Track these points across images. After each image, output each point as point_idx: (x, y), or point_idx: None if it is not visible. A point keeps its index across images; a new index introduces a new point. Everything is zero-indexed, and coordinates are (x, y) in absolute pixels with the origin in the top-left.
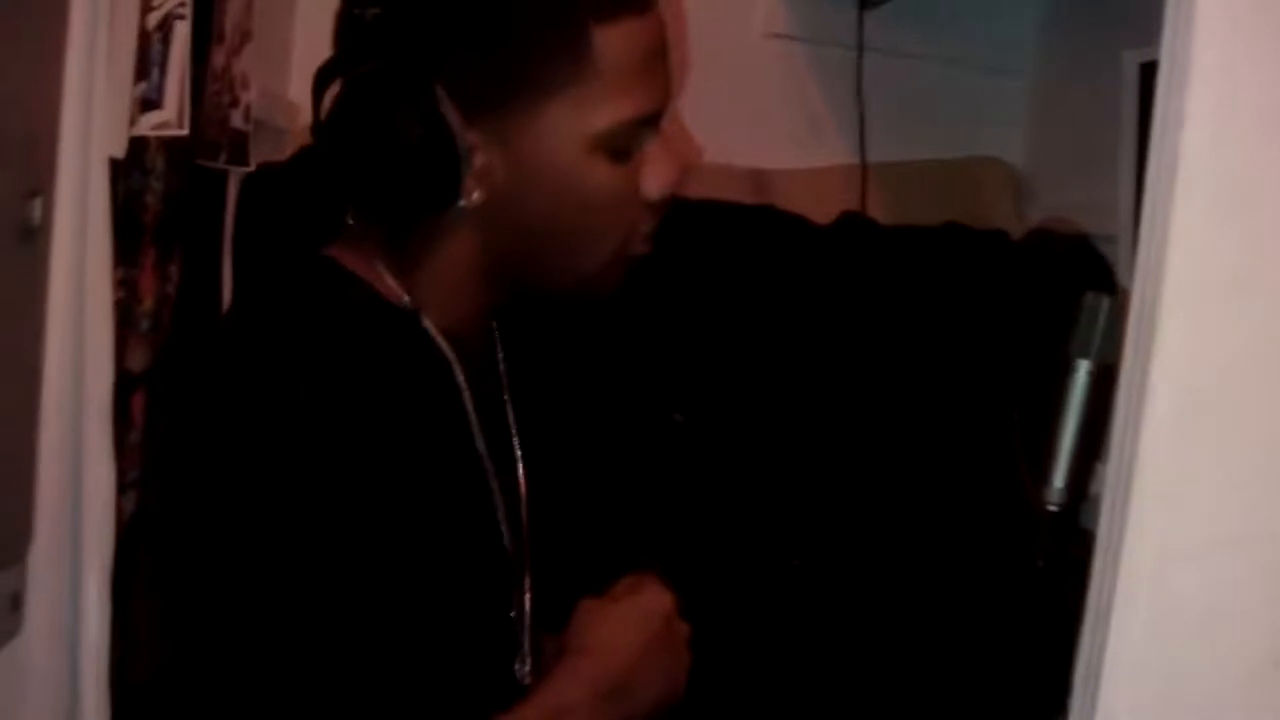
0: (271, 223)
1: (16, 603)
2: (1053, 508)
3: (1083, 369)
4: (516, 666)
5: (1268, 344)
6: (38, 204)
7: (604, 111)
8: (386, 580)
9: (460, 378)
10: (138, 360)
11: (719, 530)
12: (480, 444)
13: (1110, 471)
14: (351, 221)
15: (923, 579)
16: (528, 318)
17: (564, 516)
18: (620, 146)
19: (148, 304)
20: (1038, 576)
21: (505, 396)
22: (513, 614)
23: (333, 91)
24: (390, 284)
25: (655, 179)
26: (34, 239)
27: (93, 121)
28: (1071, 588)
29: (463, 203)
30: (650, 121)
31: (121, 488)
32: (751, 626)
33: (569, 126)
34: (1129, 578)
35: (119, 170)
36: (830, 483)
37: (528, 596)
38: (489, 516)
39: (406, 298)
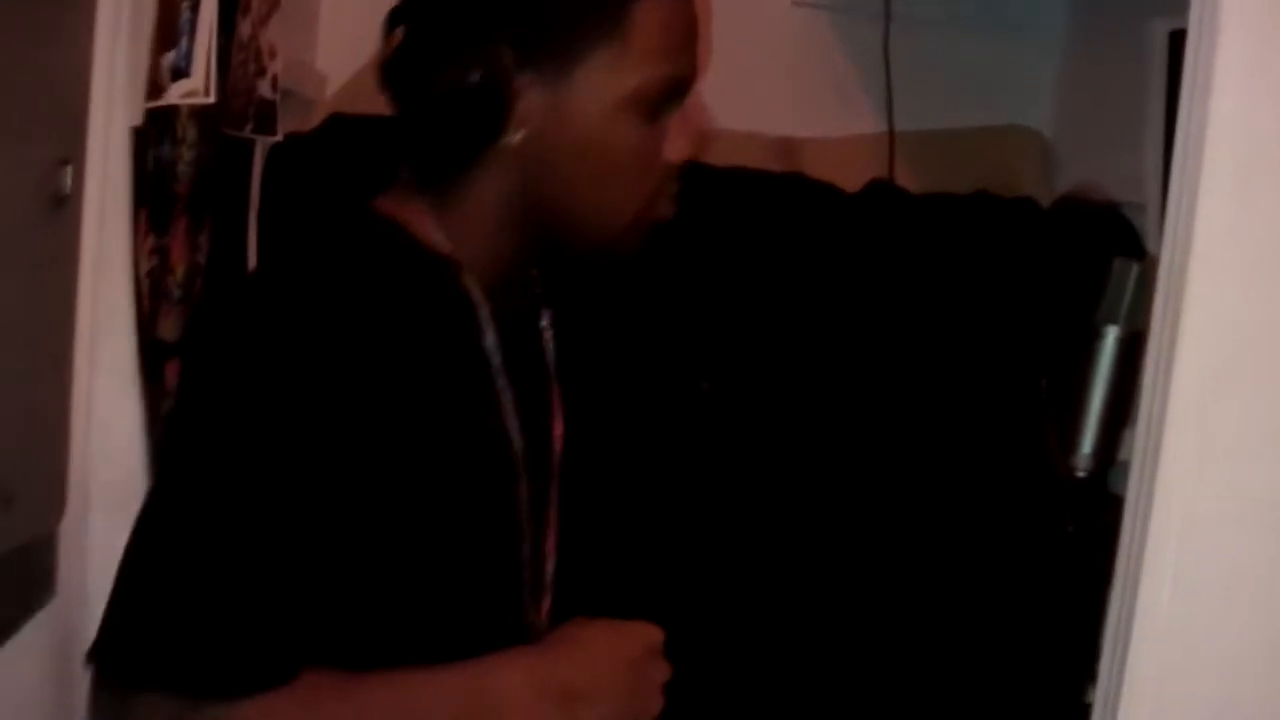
0: (303, 190)
1: (49, 569)
2: (1081, 474)
3: (1111, 335)
4: (530, 620)
5: None
6: (68, 172)
7: (634, 75)
8: (395, 528)
9: (487, 324)
10: (170, 329)
11: (747, 499)
12: (506, 390)
13: (1138, 438)
14: (399, 178)
15: (953, 545)
16: (566, 277)
17: (596, 475)
18: (646, 110)
19: (180, 273)
20: (1067, 542)
21: (545, 351)
22: (526, 573)
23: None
24: (432, 233)
25: (678, 143)
26: (65, 206)
27: (116, 92)
28: (1100, 553)
29: (506, 139)
30: (676, 92)
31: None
32: (783, 594)
33: (602, 82)
34: (1157, 543)
35: (149, 139)
36: (859, 451)
37: (550, 555)
38: (503, 465)
39: (444, 248)
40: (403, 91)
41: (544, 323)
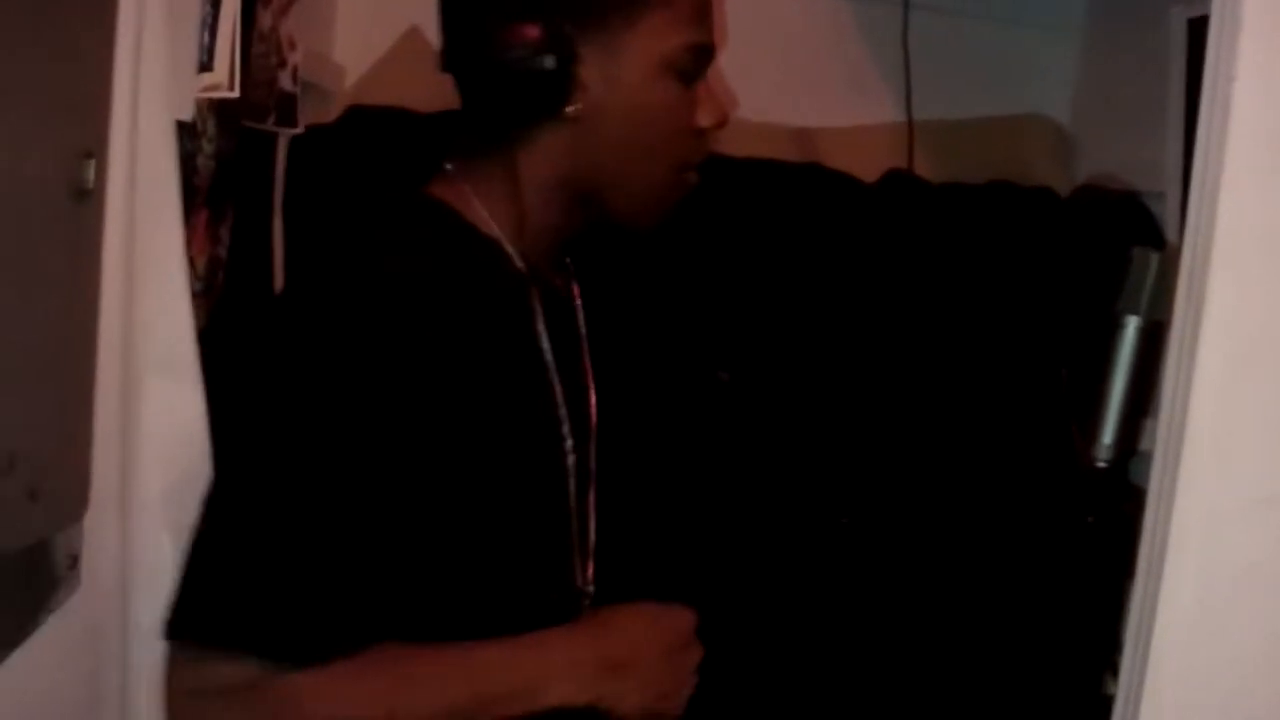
0: (326, 182)
1: (74, 562)
2: (1102, 464)
3: (1131, 325)
4: (580, 584)
5: None
6: (90, 165)
7: (675, 41)
8: (462, 491)
9: (535, 302)
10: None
11: (767, 489)
12: (551, 364)
13: (1161, 428)
14: (449, 164)
15: (973, 536)
16: (597, 259)
17: (626, 446)
18: (685, 69)
19: (200, 266)
20: (1088, 532)
21: (580, 329)
22: (575, 537)
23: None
24: (482, 216)
25: (707, 110)
26: (88, 200)
27: (141, 84)
28: (1121, 543)
29: (569, 109)
30: (705, 57)
31: None
32: (800, 584)
33: (648, 49)
34: (1180, 534)
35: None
36: (879, 441)
37: (592, 519)
38: (554, 435)
39: (494, 230)
40: (467, 71)
41: (576, 299)
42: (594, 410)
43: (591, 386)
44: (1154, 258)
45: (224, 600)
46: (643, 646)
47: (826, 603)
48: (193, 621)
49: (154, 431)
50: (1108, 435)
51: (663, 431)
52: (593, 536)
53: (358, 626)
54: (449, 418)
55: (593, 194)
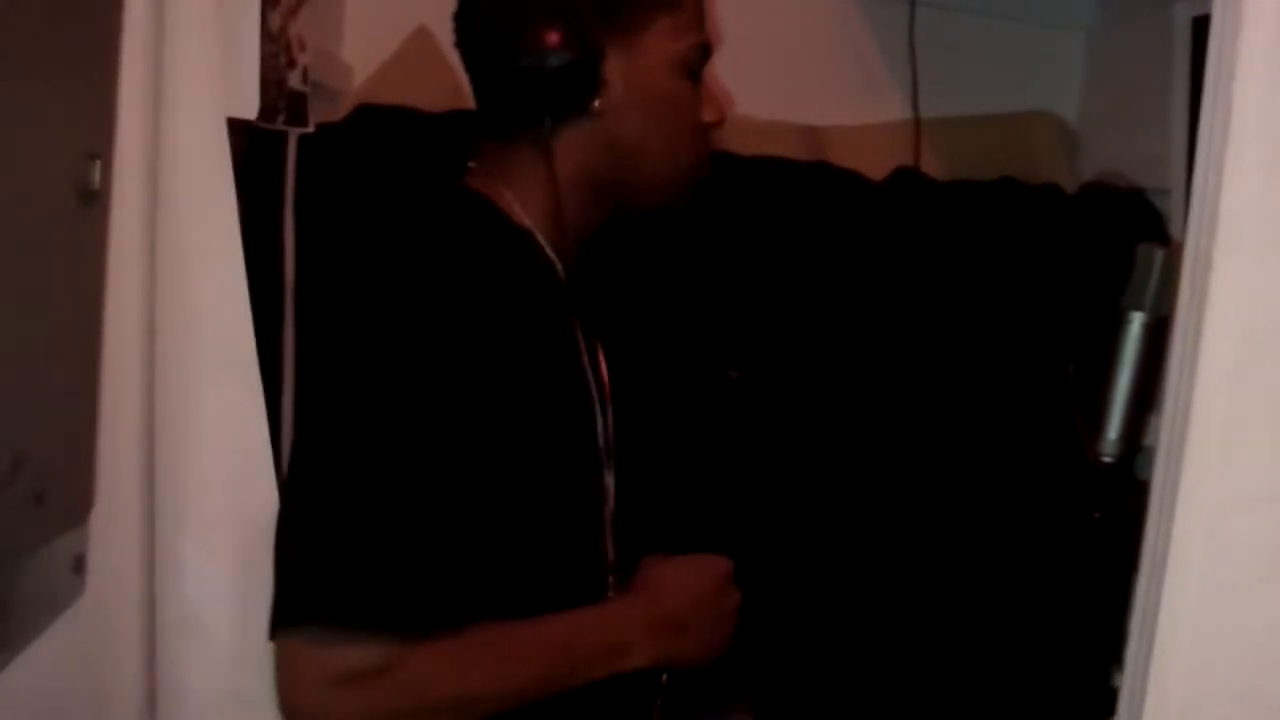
0: (337, 181)
1: (80, 565)
2: (1107, 459)
3: (1136, 321)
4: (608, 553)
5: None
6: (96, 167)
7: (686, 35)
8: (512, 467)
9: (566, 288)
10: None
11: (777, 486)
12: (584, 351)
13: (1165, 423)
14: (472, 164)
15: (980, 532)
16: (612, 250)
17: (641, 442)
18: (694, 68)
19: None
20: (1094, 528)
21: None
22: (605, 507)
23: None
24: (515, 208)
25: (710, 107)
26: (94, 202)
27: (169, 84)
28: (1127, 539)
29: (596, 104)
30: (708, 52)
31: None
32: (811, 580)
33: (662, 47)
34: (1184, 528)
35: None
36: (887, 437)
37: (610, 491)
38: (589, 417)
39: (527, 222)
40: (494, 72)
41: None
42: (606, 386)
43: (602, 364)
44: (1159, 254)
45: (351, 582)
46: (699, 602)
47: (837, 597)
48: (322, 605)
49: (211, 431)
50: (1113, 431)
51: (672, 428)
52: (610, 506)
53: (464, 602)
54: (505, 400)
55: (617, 187)
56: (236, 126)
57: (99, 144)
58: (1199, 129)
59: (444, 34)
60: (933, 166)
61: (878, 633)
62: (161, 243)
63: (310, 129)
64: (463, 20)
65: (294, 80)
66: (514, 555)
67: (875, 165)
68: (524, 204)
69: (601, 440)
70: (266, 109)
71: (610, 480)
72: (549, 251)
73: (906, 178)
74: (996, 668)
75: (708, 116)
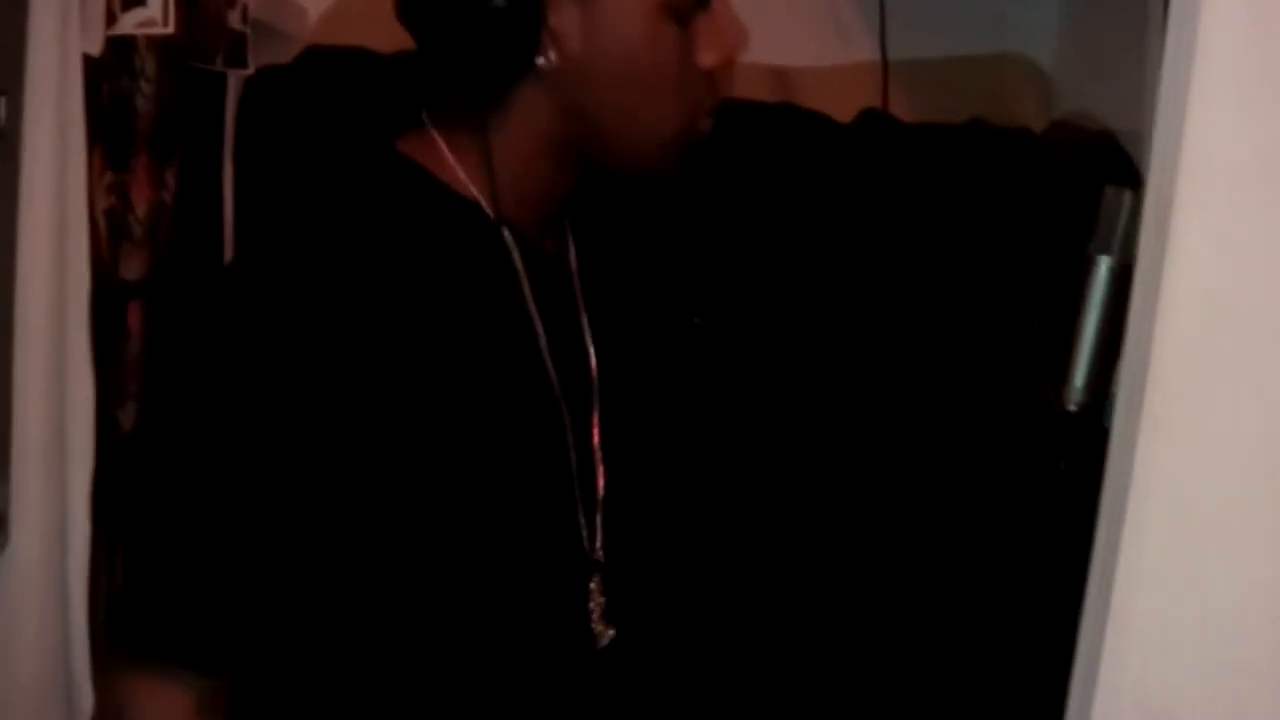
0: (280, 126)
1: (2, 519)
2: (1074, 408)
3: (1103, 266)
4: (589, 548)
5: None
6: (2, 104)
7: None
8: (446, 474)
9: (520, 266)
10: (133, 270)
11: (739, 433)
12: (540, 332)
13: (1124, 372)
14: (424, 116)
15: (945, 481)
16: (597, 214)
17: (636, 407)
18: (678, 6)
19: (141, 212)
20: (1060, 478)
21: (576, 291)
22: (580, 502)
23: None
24: (459, 176)
25: (708, 48)
26: (1, 140)
27: (70, 21)
28: (1094, 489)
29: (542, 60)
30: None
31: (120, 399)
32: (774, 532)
33: None
34: (1144, 481)
35: (104, 72)
36: (852, 385)
37: (599, 481)
38: (546, 400)
39: (473, 192)
40: (425, 21)
41: (572, 262)
42: (594, 369)
43: (590, 347)
44: (1127, 196)
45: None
46: None
47: (797, 550)
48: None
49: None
50: (1080, 379)
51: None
52: (599, 501)
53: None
54: (415, 394)
55: (590, 151)
56: (172, 68)
57: (6, 81)
58: (1162, 65)
59: None
60: (902, 110)
61: (839, 585)
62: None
63: (250, 70)
64: None
65: (234, 19)
66: (445, 562)
67: (844, 108)
68: (469, 170)
69: (568, 422)
70: (204, 49)
71: (595, 465)
72: (496, 224)
73: (874, 120)
74: (958, 624)
75: (704, 61)
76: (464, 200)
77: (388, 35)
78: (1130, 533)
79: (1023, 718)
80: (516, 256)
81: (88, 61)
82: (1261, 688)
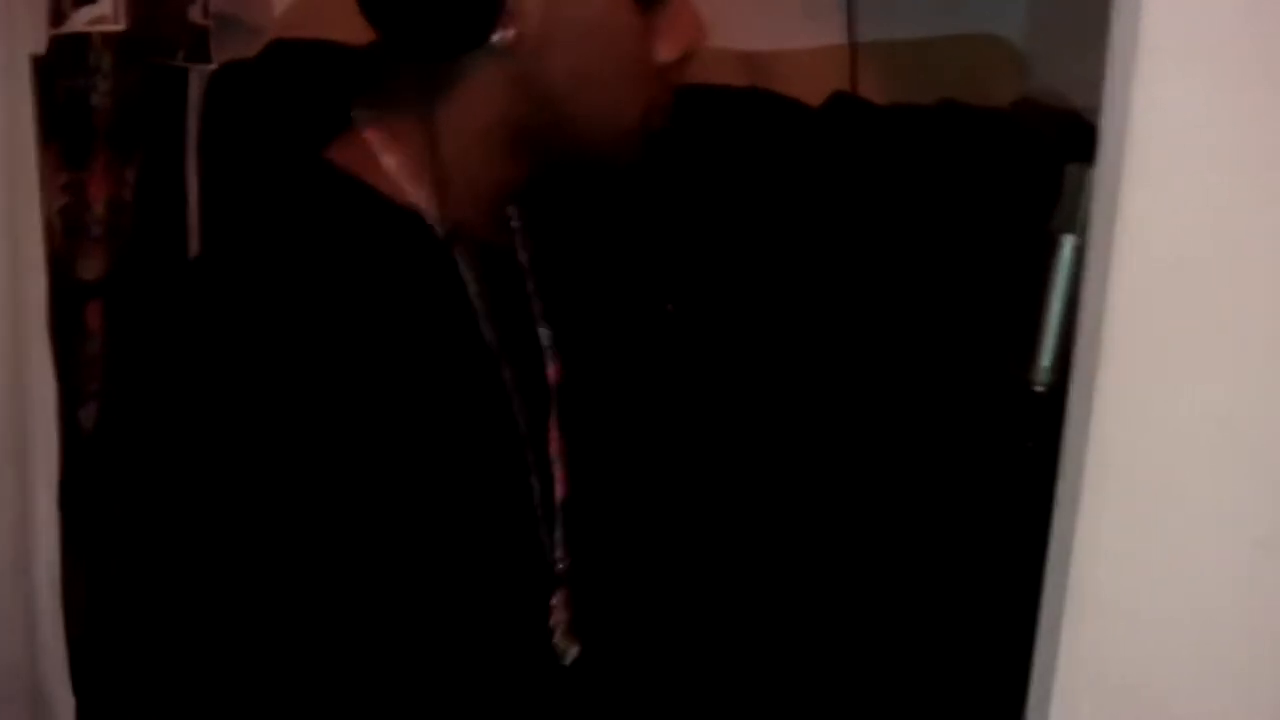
0: (244, 122)
1: None
2: (1039, 388)
3: (1067, 245)
4: (553, 558)
5: (1245, 210)
6: None
7: None
8: (399, 500)
9: (468, 274)
10: (91, 269)
11: (710, 420)
12: (492, 340)
13: (1079, 346)
14: (356, 114)
15: (912, 462)
16: (550, 207)
17: (599, 410)
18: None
19: (99, 210)
20: (1025, 457)
21: (530, 291)
22: (540, 514)
23: None
24: (396, 182)
25: (665, 45)
26: None
27: (15, 17)
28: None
29: (496, 37)
30: None
31: (81, 399)
32: (746, 516)
33: None
34: (1099, 457)
35: (56, 69)
36: (822, 367)
37: (560, 492)
38: (501, 412)
39: (411, 196)
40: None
41: (524, 261)
42: (553, 377)
43: (551, 354)
44: (1090, 174)
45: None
46: None
47: (769, 531)
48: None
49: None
50: (1045, 358)
51: (634, 384)
52: (559, 509)
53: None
54: (363, 413)
55: (541, 137)
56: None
57: None
58: (1109, 37)
59: None
60: (873, 92)
61: (805, 561)
62: None
63: (213, 66)
64: None
65: (195, 13)
66: (402, 589)
67: (813, 91)
68: (409, 168)
69: (524, 433)
70: (165, 44)
71: (553, 471)
72: (438, 229)
73: (844, 103)
74: (921, 601)
75: (664, 53)
76: (400, 210)
77: (358, 26)
78: (1087, 507)
79: (994, 699)
80: (463, 265)
81: (39, 60)
82: (1223, 657)
